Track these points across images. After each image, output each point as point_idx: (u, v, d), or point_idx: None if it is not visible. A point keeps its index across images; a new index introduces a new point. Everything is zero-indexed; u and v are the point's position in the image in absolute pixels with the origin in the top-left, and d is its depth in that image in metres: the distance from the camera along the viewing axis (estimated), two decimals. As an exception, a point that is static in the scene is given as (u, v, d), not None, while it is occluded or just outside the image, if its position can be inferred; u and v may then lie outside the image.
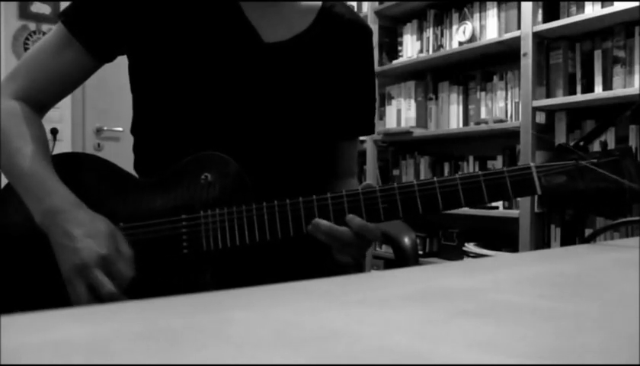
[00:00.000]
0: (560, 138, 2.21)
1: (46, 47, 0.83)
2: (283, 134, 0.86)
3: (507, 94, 2.43)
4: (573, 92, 2.18)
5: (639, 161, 0.66)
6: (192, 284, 0.77)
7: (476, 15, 2.53)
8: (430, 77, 2.80)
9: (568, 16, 2.15)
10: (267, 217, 0.75)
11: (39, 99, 0.84)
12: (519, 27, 2.27)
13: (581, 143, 0.68)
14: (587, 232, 2.17)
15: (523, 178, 0.70)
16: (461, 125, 2.62)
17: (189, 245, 0.77)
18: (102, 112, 3.14)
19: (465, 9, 2.56)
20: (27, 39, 2.96)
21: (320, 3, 0.92)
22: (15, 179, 0.78)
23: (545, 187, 0.69)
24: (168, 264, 0.77)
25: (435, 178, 0.73)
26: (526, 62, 2.20)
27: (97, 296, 0.71)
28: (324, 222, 0.73)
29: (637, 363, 0.21)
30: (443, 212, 0.74)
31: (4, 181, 0.83)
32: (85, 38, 0.82)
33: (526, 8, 2.21)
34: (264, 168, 0.83)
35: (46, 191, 0.75)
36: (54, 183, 0.76)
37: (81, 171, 0.82)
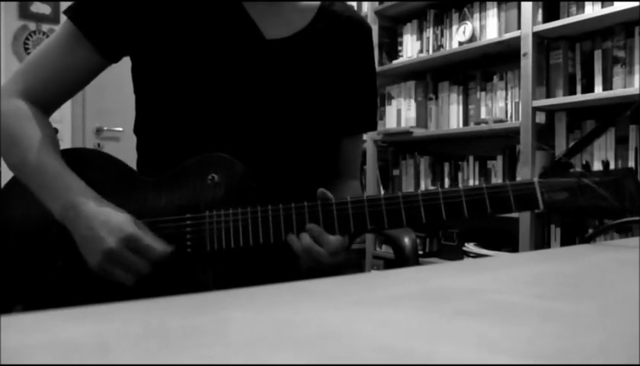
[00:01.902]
0: (560, 138, 2.21)
1: (52, 46, 0.83)
2: (286, 130, 0.86)
3: (507, 94, 2.43)
4: (573, 92, 2.18)
5: None
6: (194, 283, 0.78)
7: (476, 15, 2.53)
8: (430, 77, 2.80)
9: (568, 16, 2.15)
10: (272, 220, 0.75)
11: (44, 99, 0.84)
12: (519, 27, 2.27)
13: (570, 160, 0.70)
14: (587, 232, 2.17)
15: (526, 193, 0.72)
16: (461, 125, 2.62)
17: (192, 245, 0.77)
18: (102, 112, 3.14)
19: (465, 9, 2.56)
20: (27, 39, 2.96)
21: (319, 3, 0.92)
22: (28, 177, 0.78)
23: (547, 202, 0.71)
24: (170, 263, 0.77)
25: (439, 189, 0.74)
26: (526, 62, 2.20)
27: (134, 275, 0.73)
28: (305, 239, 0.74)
29: (637, 363, 0.21)
30: (446, 221, 0.75)
31: (5, 179, 0.83)
32: (93, 35, 0.81)
33: (526, 8, 2.21)
34: (267, 164, 0.83)
35: (64, 186, 0.76)
36: (71, 178, 0.77)
37: (87, 167, 0.82)
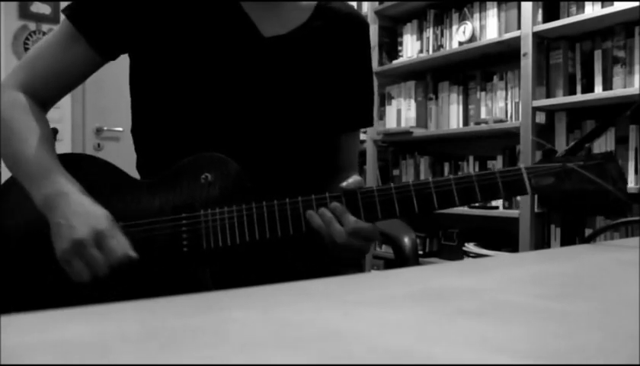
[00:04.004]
0: (560, 138, 2.21)
1: (51, 43, 0.85)
2: (284, 128, 0.86)
3: (507, 94, 2.43)
4: (573, 92, 2.18)
5: (621, 166, 0.70)
6: (191, 282, 0.78)
7: (476, 15, 2.53)
8: (430, 77, 2.80)
9: (568, 16, 2.15)
10: (267, 216, 0.76)
11: (42, 93, 0.85)
12: (519, 27, 2.27)
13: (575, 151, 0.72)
14: (587, 232, 2.17)
15: (513, 179, 0.73)
16: (461, 125, 2.62)
17: (188, 244, 0.77)
18: (102, 112, 3.14)
19: (465, 9, 2.56)
20: (27, 39, 2.96)
21: (315, 2, 0.92)
22: (18, 168, 0.79)
23: (534, 187, 0.73)
24: (167, 263, 0.77)
25: (430, 179, 0.75)
26: (526, 62, 2.20)
27: (94, 273, 0.72)
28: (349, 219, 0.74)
29: (637, 363, 0.21)
30: (438, 211, 0.77)
31: (4, 177, 0.84)
32: (90, 33, 0.83)
33: (526, 8, 2.21)
34: (265, 163, 0.84)
35: (49, 178, 0.76)
36: (58, 170, 0.77)
37: (82, 172, 0.82)
